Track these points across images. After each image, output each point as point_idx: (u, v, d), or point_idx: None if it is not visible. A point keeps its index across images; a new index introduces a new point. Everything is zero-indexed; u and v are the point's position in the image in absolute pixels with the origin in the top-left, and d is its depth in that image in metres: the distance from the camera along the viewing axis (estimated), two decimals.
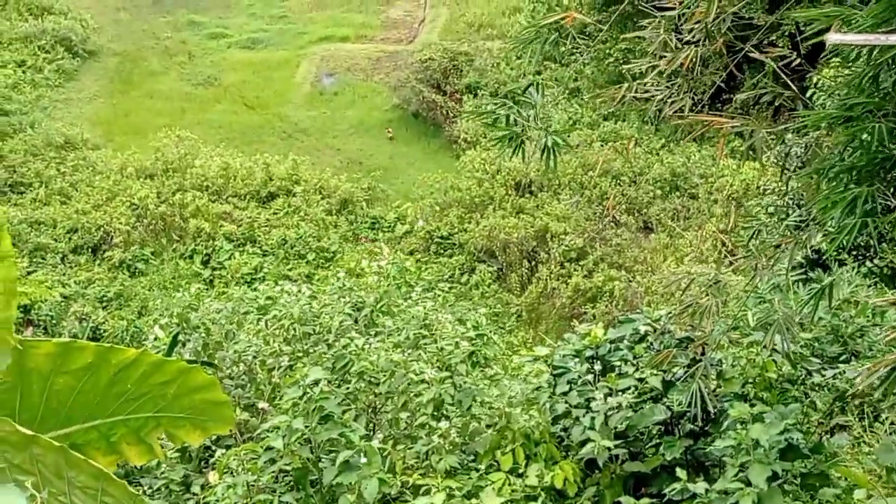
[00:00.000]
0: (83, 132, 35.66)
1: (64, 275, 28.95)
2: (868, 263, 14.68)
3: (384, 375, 10.32)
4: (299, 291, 12.63)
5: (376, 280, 13.76)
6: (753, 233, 8.57)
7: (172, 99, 39.51)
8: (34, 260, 29.18)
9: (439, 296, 14.10)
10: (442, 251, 30.45)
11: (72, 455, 3.43)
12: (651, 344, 10.01)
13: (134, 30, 44.25)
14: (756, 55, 6.80)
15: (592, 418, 9.56)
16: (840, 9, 5.41)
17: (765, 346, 9.29)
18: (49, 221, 30.63)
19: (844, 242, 5.64)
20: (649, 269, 27.69)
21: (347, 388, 10.28)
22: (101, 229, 30.28)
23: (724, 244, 25.92)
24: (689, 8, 6.91)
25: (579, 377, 10.09)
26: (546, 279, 28.34)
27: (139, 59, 42.19)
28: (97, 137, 36.12)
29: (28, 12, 42.95)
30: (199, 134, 35.28)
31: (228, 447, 10.24)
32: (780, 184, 8.46)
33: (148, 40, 43.53)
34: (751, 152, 6.91)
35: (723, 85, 7.46)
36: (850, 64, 6.08)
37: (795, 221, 7.89)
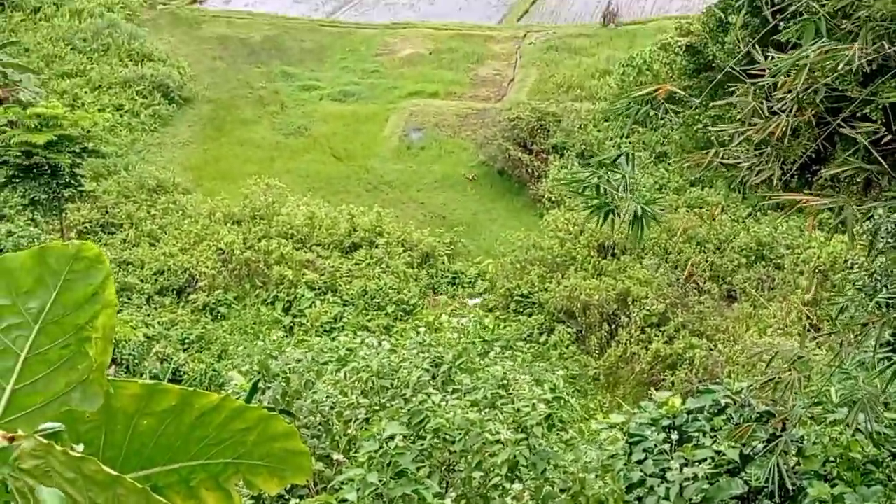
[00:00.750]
0: (175, 176, 36.41)
1: (148, 315, 29.45)
2: None
3: (460, 433, 10.31)
4: (379, 345, 12.71)
5: (455, 336, 13.79)
6: (840, 308, 8.44)
7: (263, 147, 40.22)
8: (120, 299, 29.70)
9: (518, 356, 14.08)
10: (521, 310, 30.37)
11: (154, 497, 3.48)
12: (730, 416, 9.86)
13: (229, 79, 45.25)
14: (847, 131, 6.75)
15: (667, 488, 9.43)
16: None
17: (848, 425, 9.09)
18: (137, 262, 31.23)
19: None
20: (731, 338, 27.29)
21: (422, 445, 10.29)
22: (187, 272, 30.78)
23: (808, 317, 25.50)
24: (778, 77, 6.88)
25: (655, 446, 9.97)
26: (625, 343, 28.09)
27: (233, 107, 43.09)
28: (188, 182, 36.86)
29: (129, 58, 44.16)
30: (287, 182, 35.82)
31: (302, 497, 10.30)
32: (868, 259, 8.34)
33: (242, 89, 44.46)
34: (840, 226, 6.84)
35: (813, 155, 7.41)
36: None
37: (884, 299, 7.76)
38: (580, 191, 7.28)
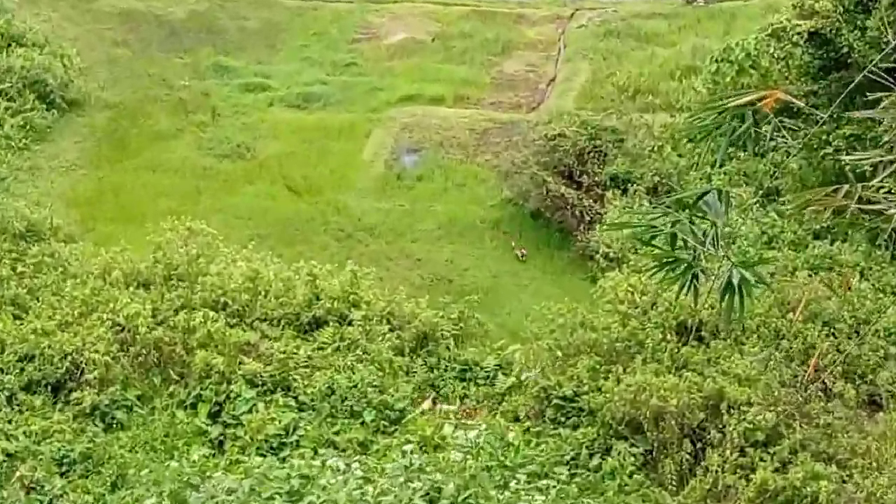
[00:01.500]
0: (53, 216, 36.32)
1: (10, 422, 29.26)
2: None
3: None
4: (347, 469, 12.65)
5: (461, 458, 13.72)
6: None
7: (184, 174, 40.34)
8: None
9: (555, 487, 14.00)
10: (563, 419, 30.16)
11: None
12: None
13: (136, 73, 45.47)
14: None
15: None
16: None
17: None
18: None
19: None
20: (874, 464, 27.14)
21: None
22: (69, 358, 30.60)
23: None
24: None
25: None
26: (717, 471, 27.93)
27: (140, 114, 43.28)
28: (72, 225, 36.83)
29: None
30: (220, 226, 35.76)
31: None
32: None
33: (155, 89, 44.67)
34: None
35: None
36: None
37: None
38: (648, 242, 7.27)
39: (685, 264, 7.19)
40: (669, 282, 7.28)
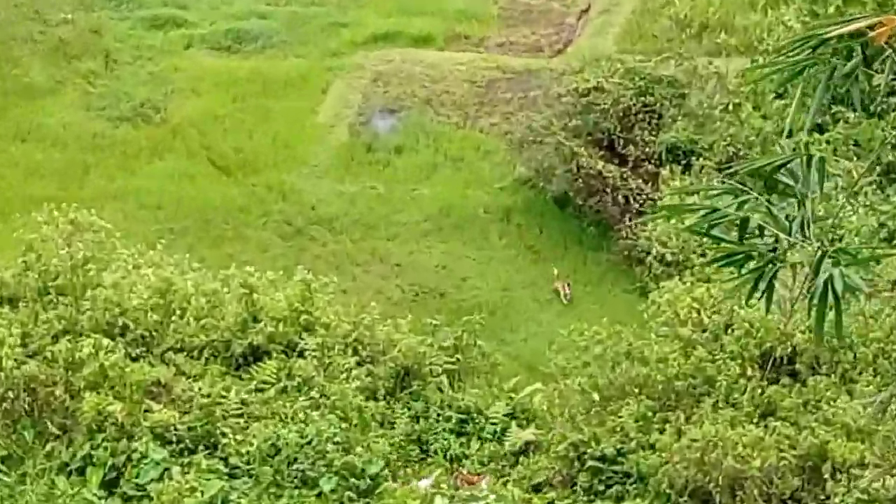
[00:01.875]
0: None
1: None
2: None
3: None
4: None
5: None
6: None
7: (66, 144, 40.50)
8: None
9: None
10: (602, 487, 30.22)
11: None
12: None
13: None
14: None
15: None
16: None
17: None
18: None
19: None
20: None
21: None
22: None
23: None
24: None
25: None
26: None
27: (5, 61, 43.26)
28: None
29: None
30: (116, 219, 35.93)
31: None
32: None
33: (25, 25, 44.77)
34: None
35: None
36: None
37: None
38: (707, 232, 6.76)
39: (763, 260, 6.66)
40: (739, 282, 6.76)
